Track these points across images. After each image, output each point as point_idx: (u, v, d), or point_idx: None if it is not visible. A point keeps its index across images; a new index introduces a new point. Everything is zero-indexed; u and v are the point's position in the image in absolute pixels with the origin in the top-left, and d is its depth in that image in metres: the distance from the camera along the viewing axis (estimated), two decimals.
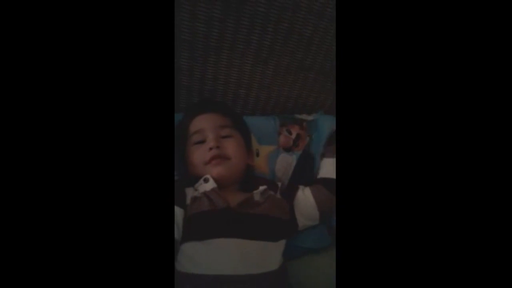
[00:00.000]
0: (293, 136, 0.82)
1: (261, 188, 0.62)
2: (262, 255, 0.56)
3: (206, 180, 0.62)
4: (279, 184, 0.72)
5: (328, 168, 0.75)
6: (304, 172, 0.77)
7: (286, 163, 0.79)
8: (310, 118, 0.85)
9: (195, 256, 0.54)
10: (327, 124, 0.80)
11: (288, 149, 0.81)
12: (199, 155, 0.65)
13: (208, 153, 0.64)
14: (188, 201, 0.60)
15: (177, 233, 0.55)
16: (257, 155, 0.78)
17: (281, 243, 0.62)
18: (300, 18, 0.73)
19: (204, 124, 0.67)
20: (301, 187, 0.72)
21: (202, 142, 0.66)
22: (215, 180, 0.62)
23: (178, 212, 0.57)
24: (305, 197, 0.69)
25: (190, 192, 0.62)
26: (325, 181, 0.73)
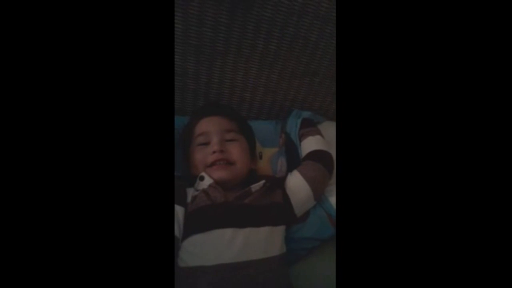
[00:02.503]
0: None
1: (260, 182, 0.63)
2: (260, 242, 0.56)
3: (201, 178, 0.63)
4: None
5: (309, 144, 0.75)
6: (292, 162, 0.78)
7: (281, 162, 0.80)
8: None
9: (195, 249, 0.54)
10: (298, 115, 0.84)
11: None
12: (201, 157, 0.65)
13: (211, 156, 0.64)
14: (189, 199, 0.61)
15: (178, 231, 0.56)
16: (260, 157, 0.79)
17: (280, 229, 0.61)
18: (306, 23, 0.73)
19: (210, 127, 0.68)
20: (289, 173, 0.72)
21: (206, 144, 0.66)
22: (216, 182, 0.62)
23: (179, 210, 0.58)
24: (294, 178, 0.69)
25: (191, 192, 0.63)
26: (310, 154, 0.73)
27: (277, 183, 0.68)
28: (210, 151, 0.65)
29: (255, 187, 0.62)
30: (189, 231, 0.56)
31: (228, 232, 0.54)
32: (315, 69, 0.83)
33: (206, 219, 0.57)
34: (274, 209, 0.62)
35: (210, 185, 0.61)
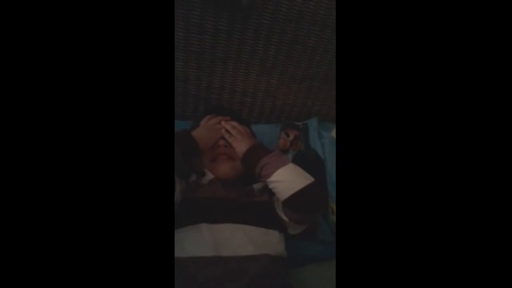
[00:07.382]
0: (291, 138, 0.87)
1: (260, 183, 0.64)
2: (259, 238, 0.57)
3: (202, 174, 0.65)
4: None
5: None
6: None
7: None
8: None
9: (193, 240, 0.54)
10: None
11: (285, 151, 0.85)
12: (206, 151, 0.67)
13: (217, 149, 0.67)
14: (178, 189, 0.61)
15: None
16: None
17: (276, 234, 0.61)
18: (304, 29, 0.75)
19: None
20: None
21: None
22: (218, 177, 0.64)
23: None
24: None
25: (181, 182, 0.63)
26: None
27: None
28: (216, 145, 0.68)
29: (257, 186, 0.64)
30: (182, 222, 0.56)
31: (227, 227, 0.56)
32: (314, 73, 0.85)
33: (206, 212, 0.57)
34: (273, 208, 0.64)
35: (211, 180, 0.63)
